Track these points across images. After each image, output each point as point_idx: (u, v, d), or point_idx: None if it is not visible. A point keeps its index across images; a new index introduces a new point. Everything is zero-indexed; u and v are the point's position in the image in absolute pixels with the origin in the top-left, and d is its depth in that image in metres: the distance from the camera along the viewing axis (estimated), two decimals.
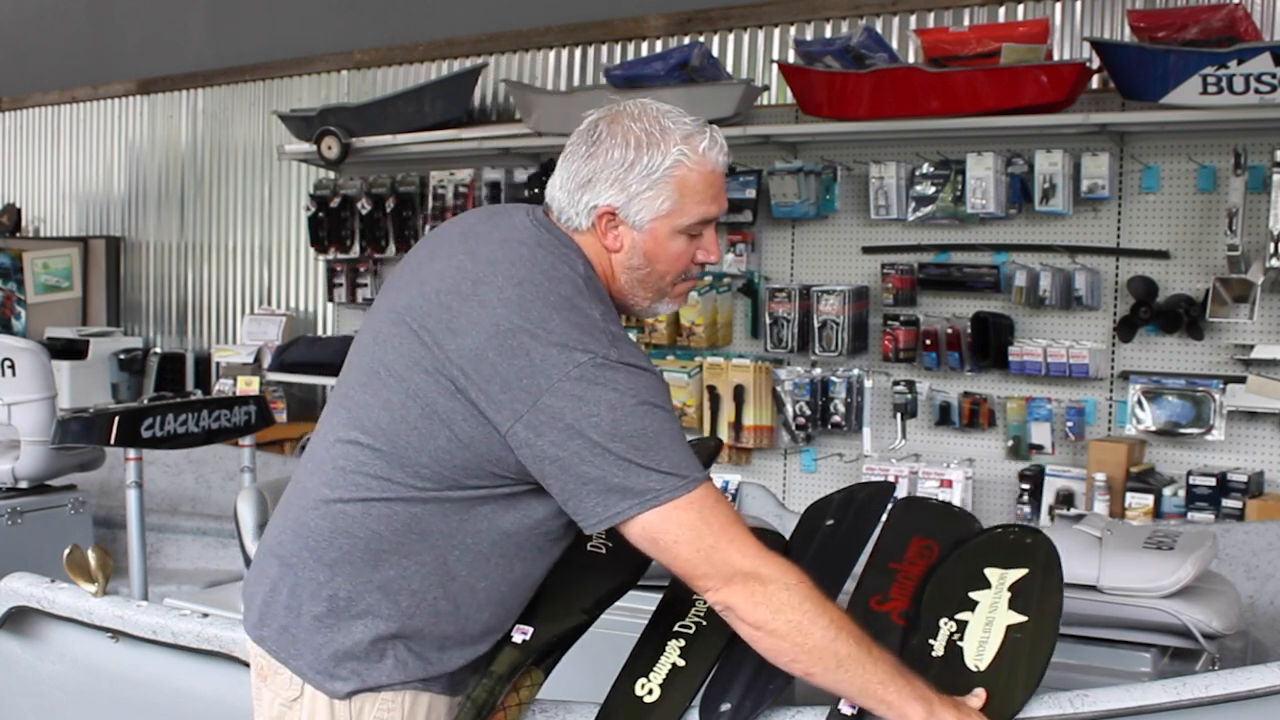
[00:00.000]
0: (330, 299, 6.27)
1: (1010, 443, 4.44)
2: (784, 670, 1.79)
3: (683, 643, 2.01)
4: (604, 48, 5.60)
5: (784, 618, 1.72)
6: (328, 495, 1.83)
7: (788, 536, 2.28)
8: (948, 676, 1.84)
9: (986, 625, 1.91)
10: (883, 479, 4.31)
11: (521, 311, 1.75)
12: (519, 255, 1.82)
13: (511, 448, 1.74)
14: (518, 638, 1.91)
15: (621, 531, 1.75)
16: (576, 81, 5.65)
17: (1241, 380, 4.05)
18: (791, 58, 4.79)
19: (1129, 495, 4.07)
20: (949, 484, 4.39)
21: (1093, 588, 2.43)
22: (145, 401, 4.30)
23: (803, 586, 1.74)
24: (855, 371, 4.71)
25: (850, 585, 2.13)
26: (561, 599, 1.97)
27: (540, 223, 1.88)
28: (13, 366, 4.45)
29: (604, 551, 2.06)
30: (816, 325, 4.69)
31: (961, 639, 1.89)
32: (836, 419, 4.72)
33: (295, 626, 1.83)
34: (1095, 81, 4.28)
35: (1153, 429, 4.16)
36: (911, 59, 4.62)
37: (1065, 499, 4.26)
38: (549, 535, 1.85)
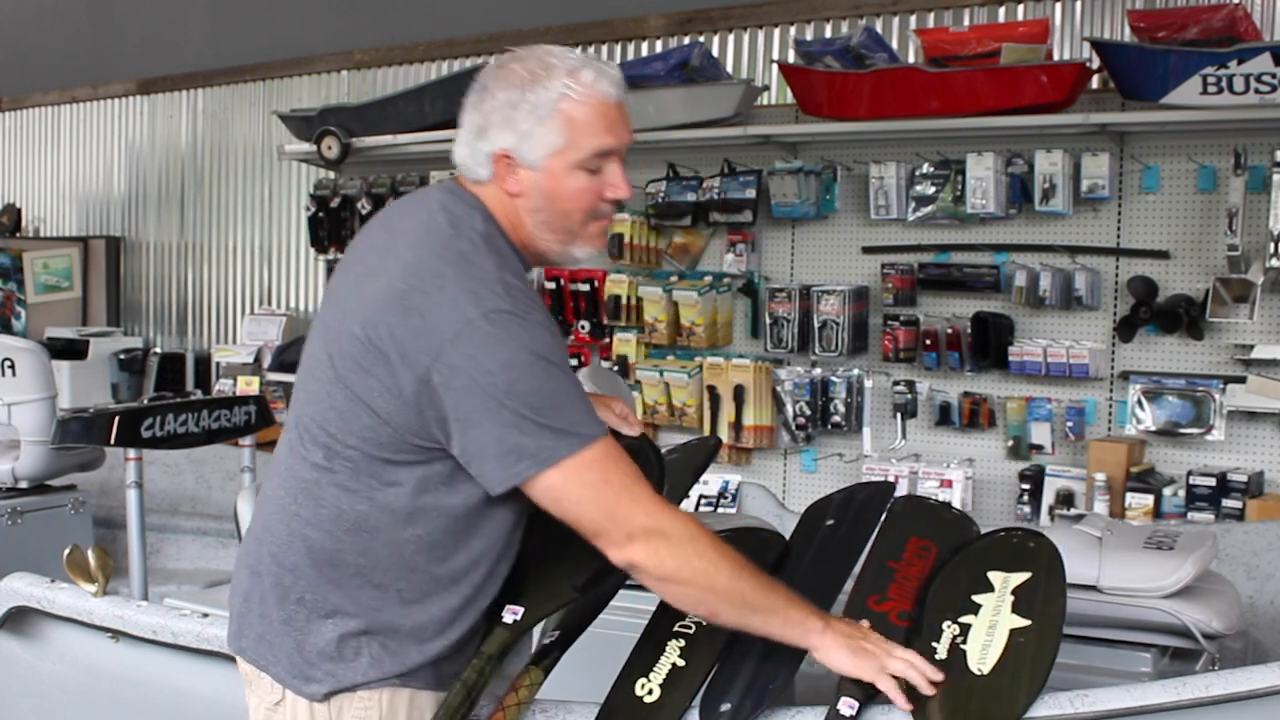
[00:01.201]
0: None
1: (1010, 443, 4.44)
2: (690, 613, 1.86)
3: (683, 643, 2.01)
4: (604, 48, 5.60)
5: (690, 567, 1.76)
6: (284, 500, 1.86)
7: (788, 536, 2.28)
8: (951, 679, 1.84)
9: (990, 628, 1.91)
10: (883, 479, 4.31)
11: (416, 272, 1.76)
12: (419, 220, 1.84)
13: (420, 411, 1.74)
14: (508, 618, 1.90)
15: (525, 493, 1.76)
16: None
17: (1241, 380, 4.05)
18: (791, 58, 4.79)
19: (1129, 495, 4.07)
20: (949, 484, 4.39)
21: (1093, 588, 2.43)
22: (145, 401, 4.30)
23: (701, 536, 1.77)
24: (855, 371, 4.71)
25: (850, 585, 2.13)
26: (552, 578, 1.95)
27: (446, 188, 1.90)
28: (13, 366, 4.46)
29: None
30: (816, 325, 4.69)
31: (965, 642, 1.89)
32: (836, 419, 4.72)
33: (269, 633, 1.85)
34: (1095, 81, 4.28)
35: (1153, 429, 4.16)
36: (911, 59, 4.62)
37: (1065, 499, 4.26)
38: (501, 508, 1.83)
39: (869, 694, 1.85)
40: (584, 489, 1.74)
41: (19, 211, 7.99)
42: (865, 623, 1.92)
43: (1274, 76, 3.72)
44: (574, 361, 5.36)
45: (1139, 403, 4.18)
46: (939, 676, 1.82)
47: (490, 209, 1.87)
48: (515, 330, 1.71)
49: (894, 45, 4.71)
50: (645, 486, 1.78)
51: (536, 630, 2.11)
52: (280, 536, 1.84)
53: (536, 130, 1.81)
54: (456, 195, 1.88)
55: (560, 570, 1.94)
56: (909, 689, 1.81)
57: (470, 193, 1.88)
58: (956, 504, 4.07)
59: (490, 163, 1.85)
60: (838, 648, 1.82)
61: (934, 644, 1.90)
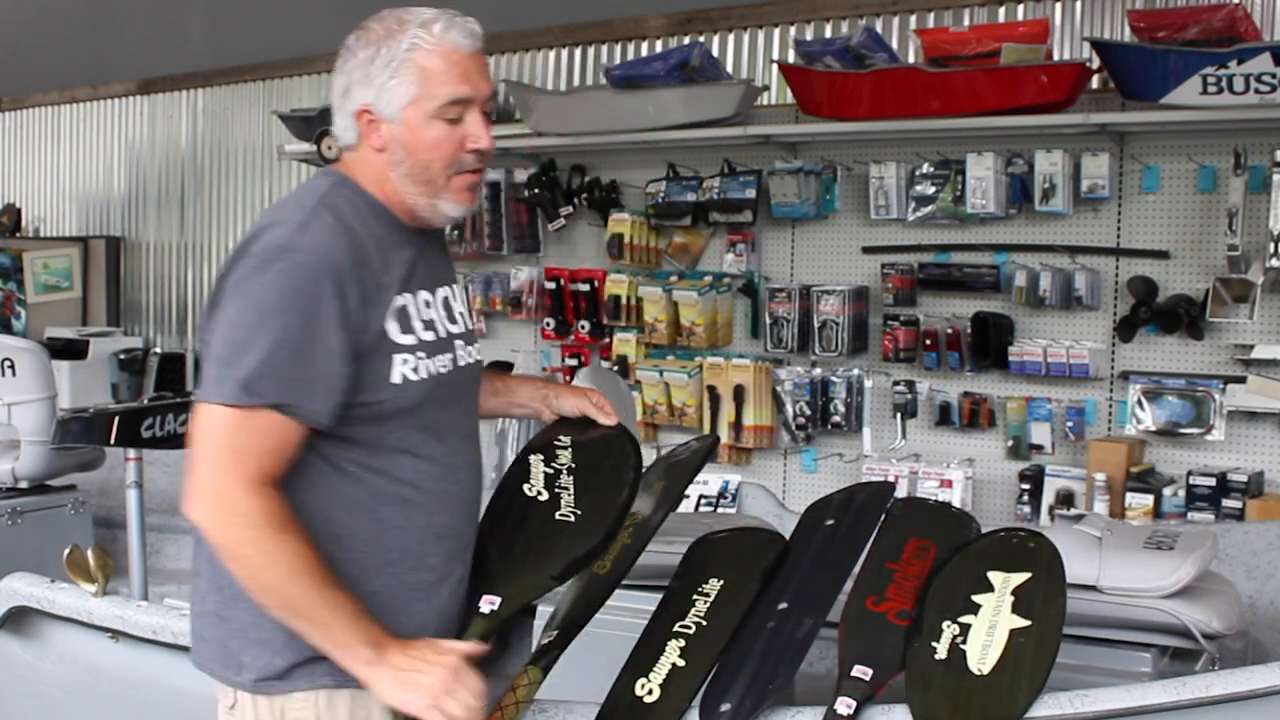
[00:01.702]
0: None
1: (1010, 443, 4.44)
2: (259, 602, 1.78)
3: (683, 643, 2.01)
4: (604, 48, 5.59)
5: (240, 551, 1.73)
6: None
7: (788, 536, 2.28)
8: (951, 679, 1.84)
9: (990, 629, 1.91)
10: (883, 479, 4.31)
11: (247, 232, 1.83)
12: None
13: None
14: (485, 608, 1.90)
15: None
16: (576, 81, 5.65)
17: (1241, 380, 4.05)
18: (791, 58, 4.79)
19: (1129, 495, 4.07)
20: (949, 484, 4.39)
21: (1093, 588, 2.43)
22: (145, 401, 4.30)
23: (269, 529, 1.72)
24: (855, 371, 4.71)
25: (850, 585, 2.13)
26: (529, 566, 1.94)
27: (320, 171, 1.97)
28: (13, 366, 4.46)
29: (572, 519, 2.02)
30: (816, 325, 4.69)
31: (965, 642, 1.89)
32: (836, 419, 4.72)
33: (204, 633, 1.89)
34: (1095, 81, 4.28)
35: (1153, 429, 4.16)
36: (911, 59, 4.61)
37: (1065, 499, 4.26)
38: (340, 479, 1.82)
39: (867, 694, 1.85)
40: (205, 433, 1.74)
41: (19, 211, 7.99)
42: (467, 646, 1.81)
43: (1274, 76, 3.72)
44: (574, 362, 5.37)
45: (1139, 403, 4.18)
46: None
47: (356, 172, 1.90)
48: (271, 271, 1.74)
49: (894, 45, 4.71)
50: (258, 465, 1.73)
51: (537, 630, 2.11)
52: (199, 535, 1.87)
53: (391, 83, 1.84)
54: (322, 171, 1.95)
55: (537, 559, 1.93)
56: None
57: (340, 164, 1.93)
58: (956, 504, 4.07)
59: (355, 121, 1.88)
60: (385, 681, 1.74)
61: (934, 644, 1.90)
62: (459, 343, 1.95)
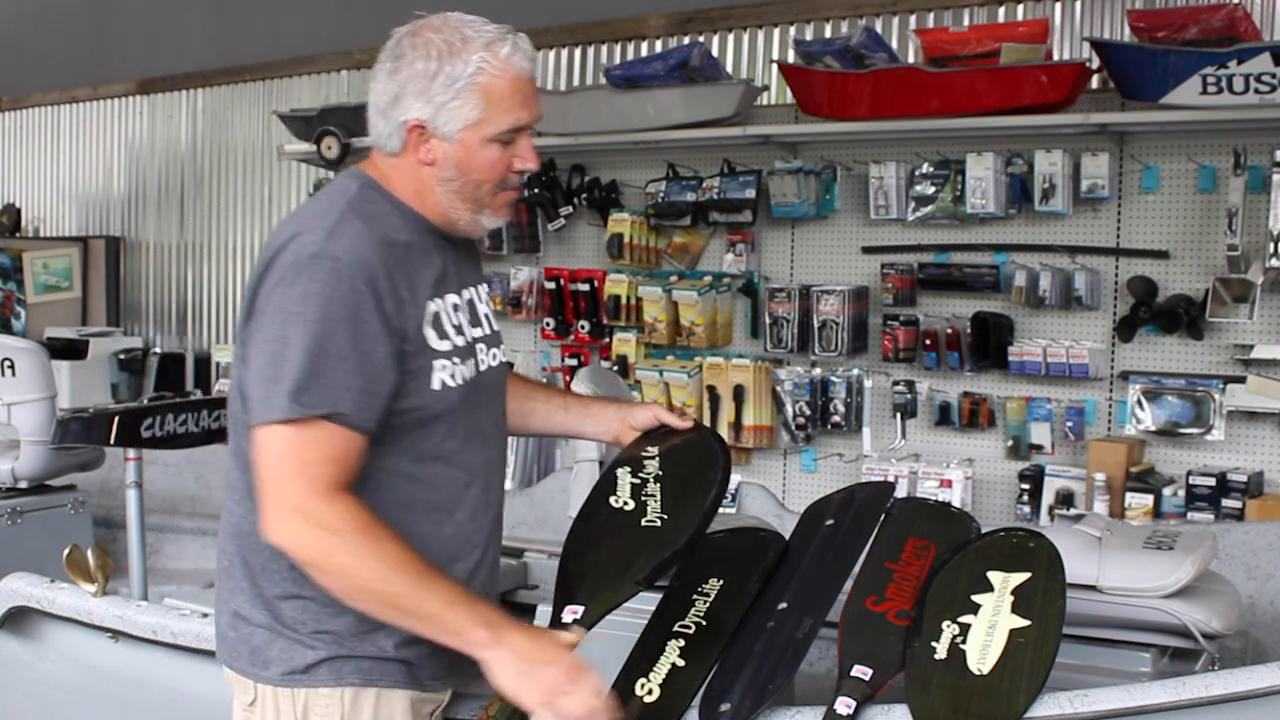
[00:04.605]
0: None
1: (1010, 443, 4.44)
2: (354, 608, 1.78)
3: (683, 643, 2.01)
4: (604, 48, 5.59)
5: (334, 560, 1.72)
6: (226, 503, 1.92)
7: (787, 536, 2.28)
8: (950, 679, 1.84)
9: (989, 629, 1.91)
10: (883, 479, 4.31)
11: (274, 237, 1.82)
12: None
13: None
14: (567, 617, 1.90)
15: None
16: (576, 81, 5.65)
17: (1241, 380, 4.05)
18: (791, 58, 4.79)
19: (1129, 495, 4.07)
20: (949, 484, 4.39)
21: (1093, 588, 2.43)
22: (145, 401, 4.30)
23: (357, 532, 1.72)
24: (855, 371, 4.71)
25: (850, 585, 2.13)
26: (613, 574, 1.95)
27: (345, 172, 1.94)
28: (13, 366, 4.45)
29: (659, 524, 2.04)
30: (816, 325, 4.69)
31: (964, 642, 1.89)
32: (836, 419, 4.72)
33: (228, 631, 1.90)
34: (1095, 81, 4.28)
35: (1152, 429, 4.16)
36: (911, 59, 4.62)
37: (1065, 499, 4.26)
38: (384, 482, 1.82)
39: (867, 694, 1.85)
40: (270, 454, 1.74)
41: (19, 211, 7.98)
42: (570, 635, 1.83)
43: (1274, 76, 3.72)
44: (574, 362, 5.37)
45: (1139, 403, 4.18)
46: None
47: (391, 178, 1.89)
48: (307, 279, 1.72)
49: (894, 45, 4.71)
50: (327, 473, 1.72)
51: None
52: (224, 535, 1.91)
53: (453, 103, 1.82)
54: (349, 173, 1.92)
55: (622, 565, 1.93)
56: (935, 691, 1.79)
57: (368, 168, 1.91)
58: (956, 504, 4.07)
59: (403, 131, 1.85)
60: (502, 664, 1.74)
61: (934, 644, 1.90)
62: (480, 346, 1.95)
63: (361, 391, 1.74)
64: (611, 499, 2.09)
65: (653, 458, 2.15)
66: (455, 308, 1.90)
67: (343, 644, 1.82)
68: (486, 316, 1.99)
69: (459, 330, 1.89)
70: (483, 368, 1.94)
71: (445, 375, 1.84)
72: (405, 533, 1.80)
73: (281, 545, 1.74)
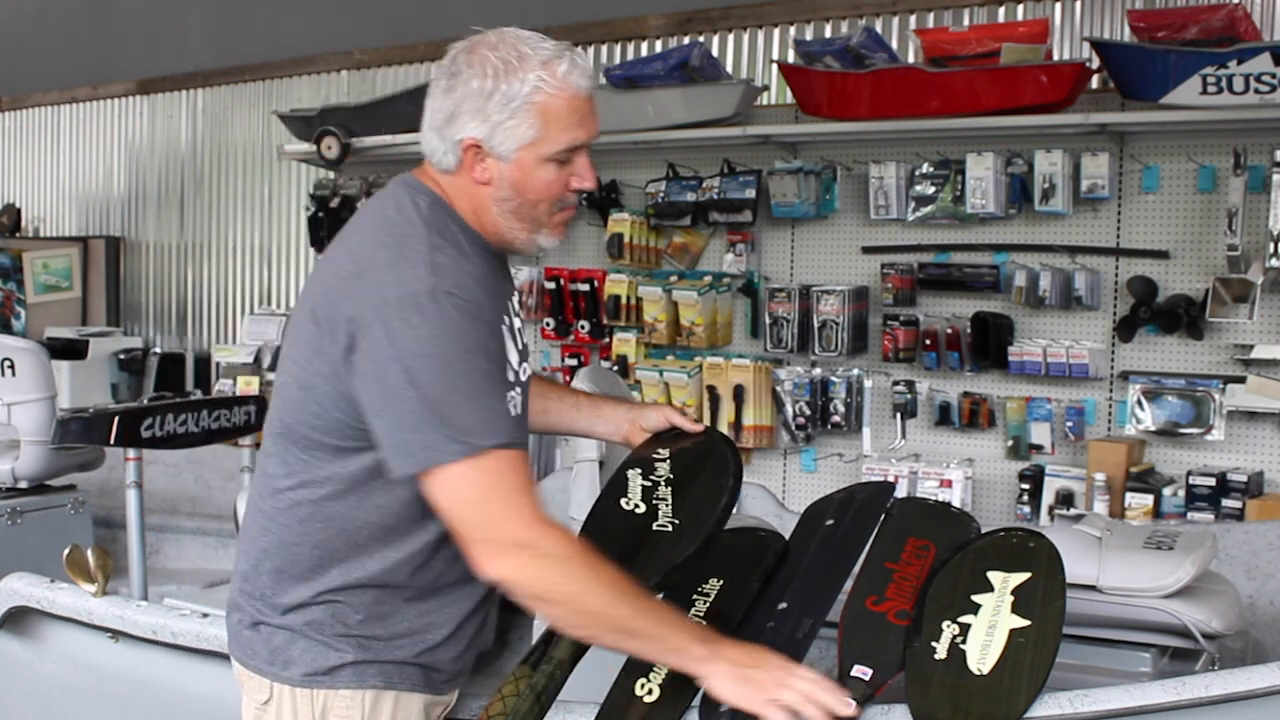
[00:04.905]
0: None
1: (1010, 443, 4.44)
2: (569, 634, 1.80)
3: None
4: (604, 48, 5.60)
5: (561, 589, 1.72)
6: (256, 501, 1.89)
7: (787, 536, 2.28)
8: (950, 679, 1.84)
9: (989, 629, 1.90)
10: (883, 479, 4.31)
11: (354, 257, 1.78)
12: (370, 210, 1.87)
13: (351, 395, 1.74)
14: None
15: (418, 484, 1.74)
16: None
17: (1241, 380, 4.05)
18: (791, 58, 4.79)
19: (1129, 495, 4.07)
20: (949, 484, 4.39)
21: (1093, 588, 2.43)
22: (145, 401, 4.30)
23: (577, 558, 1.73)
24: (855, 371, 4.71)
25: (850, 585, 2.13)
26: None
27: (401, 180, 1.91)
28: (13, 366, 4.46)
29: (670, 529, 2.04)
30: (816, 325, 4.69)
31: (964, 642, 1.89)
32: (836, 419, 4.72)
33: (246, 628, 1.89)
34: (1095, 81, 4.28)
35: (1152, 429, 4.16)
36: (911, 59, 4.62)
37: (1065, 499, 4.26)
38: None
39: (867, 694, 1.85)
40: (464, 493, 1.71)
41: (19, 211, 7.98)
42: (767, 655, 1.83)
43: (1274, 76, 3.72)
44: (574, 362, 5.36)
45: (1139, 403, 4.18)
46: (846, 711, 1.76)
47: (450, 195, 1.87)
48: (429, 316, 1.69)
49: (894, 45, 4.71)
50: (529, 501, 1.72)
51: (537, 629, 2.11)
52: (250, 534, 1.89)
53: (509, 123, 1.80)
54: (408, 184, 1.89)
55: (634, 570, 1.92)
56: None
57: (427, 180, 1.89)
58: (956, 504, 4.07)
59: (458, 150, 1.83)
60: (721, 676, 1.77)
61: (934, 644, 1.90)
62: (524, 366, 1.93)
63: (508, 416, 1.75)
64: (623, 501, 2.09)
65: (664, 460, 2.15)
66: (509, 331, 1.87)
67: (368, 648, 1.82)
68: (520, 331, 1.96)
69: (520, 355, 1.89)
70: (524, 384, 1.92)
71: (512, 405, 1.82)
72: (441, 530, 1.81)
73: (506, 580, 1.73)
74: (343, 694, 1.82)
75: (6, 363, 4.46)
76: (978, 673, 1.84)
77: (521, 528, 1.71)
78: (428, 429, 1.68)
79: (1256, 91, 3.76)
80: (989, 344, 4.39)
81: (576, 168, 1.86)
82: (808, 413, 4.76)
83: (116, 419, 3.99)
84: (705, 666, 1.77)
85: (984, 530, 2.20)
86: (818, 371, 4.77)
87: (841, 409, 4.71)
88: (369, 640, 1.82)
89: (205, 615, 2.32)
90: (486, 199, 1.85)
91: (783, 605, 2.06)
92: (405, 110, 5.66)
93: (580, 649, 1.90)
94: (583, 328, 5.30)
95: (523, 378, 1.90)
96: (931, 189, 4.50)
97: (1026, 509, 4.31)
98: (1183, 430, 4.13)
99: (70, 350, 6.70)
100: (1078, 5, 4.54)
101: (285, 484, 1.84)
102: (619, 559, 1.94)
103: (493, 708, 1.88)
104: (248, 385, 6.11)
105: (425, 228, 1.79)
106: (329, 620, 1.81)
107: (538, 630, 2.08)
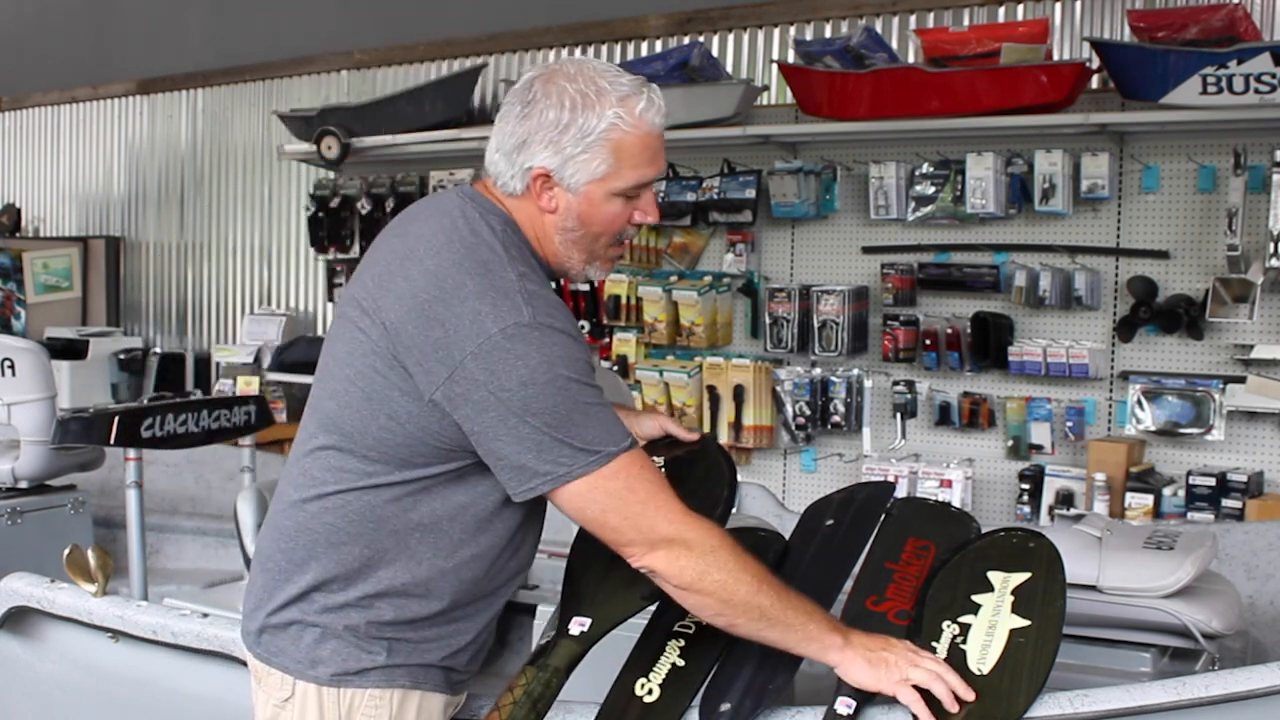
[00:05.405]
0: (330, 299, 6.27)
1: (1010, 443, 4.44)
2: (709, 623, 1.85)
3: (683, 643, 2.01)
4: (604, 48, 5.59)
5: (710, 578, 1.77)
6: (293, 496, 1.88)
7: (787, 536, 2.28)
8: None
9: (989, 628, 1.90)
10: (883, 479, 4.31)
11: (437, 281, 1.77)
12: (440, 227, 1.84)
13: (440, 418, 1.76)
14: (575, 629, 1.91)
15: (550, 501, 1.79)
16: None
17: (1241, 380, 4.05)
18: (791, 58, 4.79)
19: (1129, 495, 4.07)
20: (949, 484, 4.39)
21: (1093, 588, 2.43)
22: (145, 401, 4.30)
23: (724, 548, 1.78)
24: (855, 371, 4.71)
25: (849, 585, 2.13)
26: (620, 588, 1.95)
27: (466, 195, 1.90)
28: (13, 366, 4.45)
29: None
30: (816, 325, 4.69)
31: (964, 642, 1.89)
32: (836, 419, 4.72)
33: (274, 626, 1.87)
34: (1095, 81, 4.28)
35: (1152, 429, 4.16)
36: (911, 59, 4.62)
37: (1065, 499, 4.26)
38: (509, 505, 1.84)
39: (866, 694, 1.85)
40: (607, 500, 1.75)
41: (19, 211, 7.98)
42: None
43: (1274, 76, 3.72)
44: None
45: (1139, 403, 4.18)
46: (969, 695, 1.80)
47: (517, 218, 1.87)
48: (535, 345, 1.71)
49: (894, 45, 4.71)
50: (669, 495, 1.78)
51: (537, 630, 2.11)
52: (287, 532, 1.87)
53: (581, 156, 1.81)
54: (478, 202, 1.87)
55: (628, 580, 1.92)
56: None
57: (494, 199, 1.88)
58: (956, 504, 4.07)
59: (527, 177, 1.84)
60: (856, 662, 1.82)
61: (934, 644, 1.90)
62: None
63: (620, 421, 1.80)
64: None
65: (659, 469, 2.15)
66: None
67: (398, 651, 1.82)
68: None
69: None
70: None
71: None
72: (511, 545, 1.87)
73: (658, 571, 1.78)
74: (370, 693, 1.82)
75: (6, 363, 4.45)
76: (978, 672, 1.84)
77: (668, 522, 1.76)
78: (556, 449, 1.73)
79: (1256, 91, 3.76)
80: (989, 344, 4.40)
81: (641, 203, 1.89)
82: (808, 413, 4.76)
83: (116, 419, 3.99)
84: (840, 654, 1.82)
85: (984, 530, 2.20)
86: (818, 371, 4.77)
87: (841, 409, 4.71)
88: (400, 643, 1.83)
89: (205, 615, 2.32)
90: (550, 227, 1.87)
91: None
92: (405, 110, 5.67)
93: (577, 658, 1.91)
94: (583, 328, 5.30)
95: None
96: (931, 189, 4.50)
97: (1026, 509, 4.31)
98: (1183, 430, 4.13)
99: (70, 350, 6.71)
100: (1078, 5, 4.54)
101: (336, 488, 1.83)
102: (615, 569, 1.95)
103: (503, 709, 1.88)
104: (248, 385, 6.12)
105: (505, 253, 1.80)
106: (366, 623, 1.81)
107: (537, 630, 2.09)
